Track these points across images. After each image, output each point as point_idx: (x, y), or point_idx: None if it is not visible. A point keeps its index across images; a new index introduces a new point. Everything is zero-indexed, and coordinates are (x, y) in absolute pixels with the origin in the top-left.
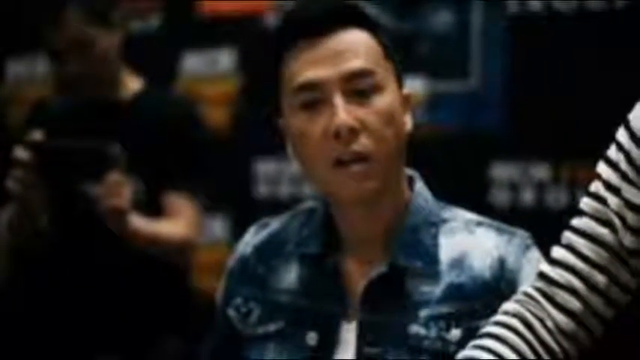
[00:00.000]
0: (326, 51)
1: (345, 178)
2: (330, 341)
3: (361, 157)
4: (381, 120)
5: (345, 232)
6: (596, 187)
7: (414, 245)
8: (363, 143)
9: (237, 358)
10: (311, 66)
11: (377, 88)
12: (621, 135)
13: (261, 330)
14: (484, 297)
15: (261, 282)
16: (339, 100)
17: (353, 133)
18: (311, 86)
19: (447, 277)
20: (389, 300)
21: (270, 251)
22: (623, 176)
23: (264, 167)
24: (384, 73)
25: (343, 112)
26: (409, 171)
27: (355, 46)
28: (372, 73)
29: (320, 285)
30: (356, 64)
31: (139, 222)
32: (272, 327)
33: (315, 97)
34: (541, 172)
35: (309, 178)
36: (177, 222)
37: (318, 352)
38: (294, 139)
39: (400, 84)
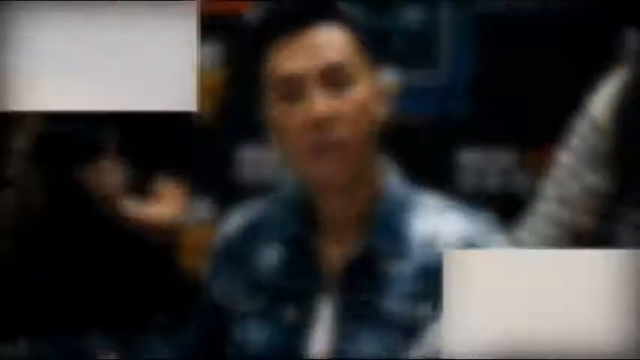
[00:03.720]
0: (305, 45)
1: (322, 165)
2: (308, 318)
3: (337, 145)
4: (356, 110)
5: (323, 216)
6: (557, 172)
7: (387, 227)
8: (340, 132)
9: (221, 335)
10: (291, 59)
11: (352, 80)
12: (580, 123)
13: (243, 308)
14: None
15: (244, 262)
16: (316, 92)
17: (330, 122)
18: (291, 78)
19: (419, 258)
20: (364, 279)
21: (252, 233)
22: (582, 161)
23: (248, 154)
24: (360, 66)
25: (321, 103)
26: (383, 158)
27: (332, 41)
28: (348, 66)
29: (299, 265)
30: (333, 57)
31: (129, 205)
32: (254, 305)
33: (294, 89)
34: (506, 158)
35: (289, 164)
36: (165, 205)
37: (298, 328)
38: (275, 128)
39: (374, 76)
